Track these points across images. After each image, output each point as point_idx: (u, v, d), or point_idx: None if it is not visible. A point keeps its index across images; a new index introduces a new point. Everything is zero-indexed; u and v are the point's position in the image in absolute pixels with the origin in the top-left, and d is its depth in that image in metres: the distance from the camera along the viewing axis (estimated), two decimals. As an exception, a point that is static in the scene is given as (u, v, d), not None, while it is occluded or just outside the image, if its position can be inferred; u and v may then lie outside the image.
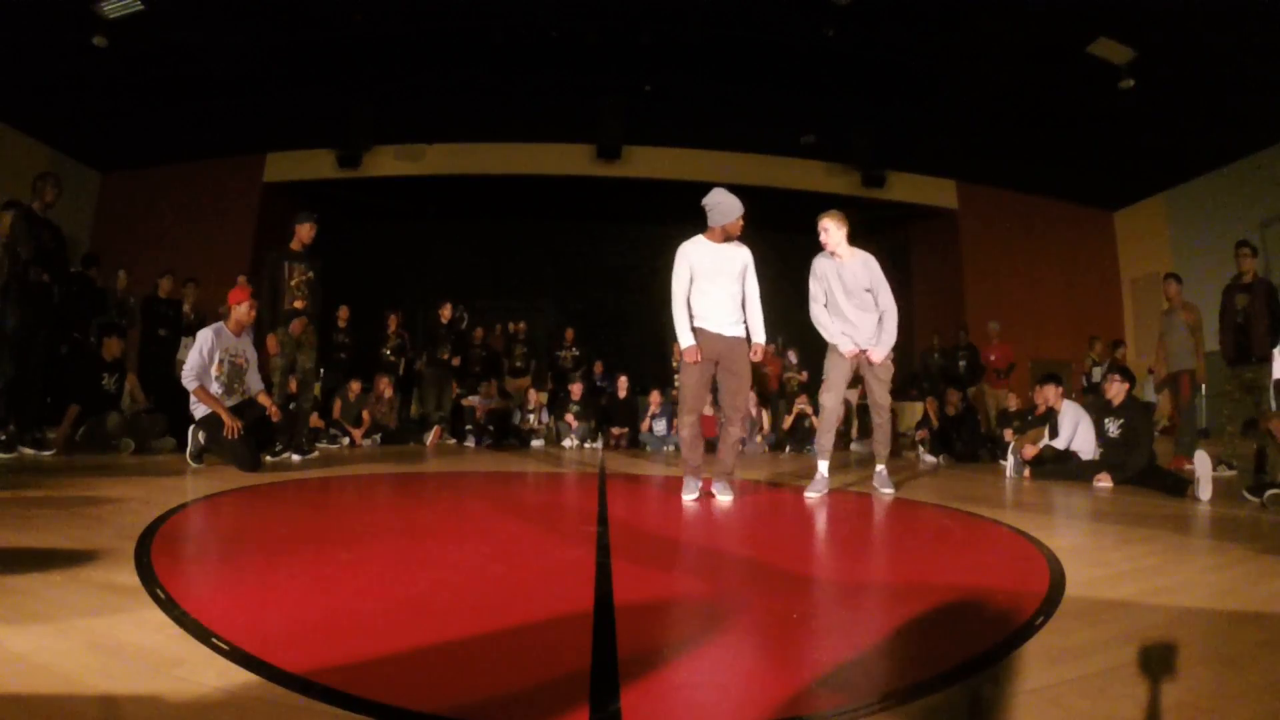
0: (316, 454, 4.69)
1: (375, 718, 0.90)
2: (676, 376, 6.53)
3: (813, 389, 8.25)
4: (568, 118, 8.50)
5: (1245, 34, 5.84)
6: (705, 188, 3.32)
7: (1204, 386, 7.00)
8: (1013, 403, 7.24)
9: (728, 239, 3.26)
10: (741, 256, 3.28)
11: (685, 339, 3.21)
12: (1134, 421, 4.45)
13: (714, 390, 3.51)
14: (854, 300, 3.61)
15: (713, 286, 3.22)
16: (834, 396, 3.65)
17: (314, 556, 1.85)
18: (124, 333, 5.50)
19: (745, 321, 3.31)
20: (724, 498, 3.18)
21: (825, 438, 3.66)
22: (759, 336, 3.32)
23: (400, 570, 1.76)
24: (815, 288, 3.69)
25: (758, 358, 3.30)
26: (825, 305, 3.67)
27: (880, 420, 3.72)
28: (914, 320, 10.69)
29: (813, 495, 3.45)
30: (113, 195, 9.05)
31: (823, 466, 3.57)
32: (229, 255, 8.41)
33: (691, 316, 3.25)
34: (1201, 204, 8.80)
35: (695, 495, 3.16)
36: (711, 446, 3.54)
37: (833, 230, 3.59)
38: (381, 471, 4.27)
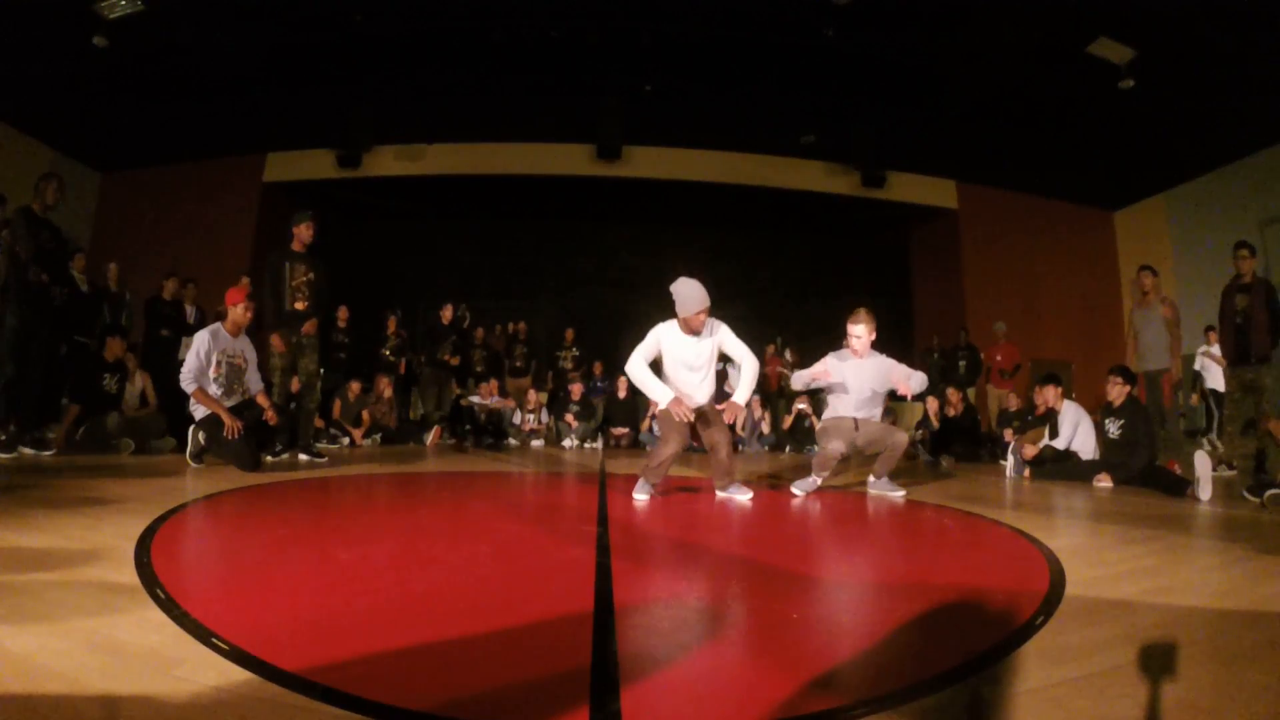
0: (325, 459, 4.68)
1: (375, 717, 0.90)
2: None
3: (811, 389, 8.24)
4: (567, 118, 8.50)
5: (1245, 34, 5.84)
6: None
7: (1209, 384, 6.98)
8: (1013, 403, 7.23)
9: (692, 332, 3.22)
10: (711, 345, 3.28)
11: (663, 395, 3.14)
12: (1134, 422, 4.45)
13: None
14: (865, 396, 3.64)
15: (684, 374, 3.28)
16: (835, 450, 3.59)
17: (314, 556, 1.85)
18: (125, 332, 5.49)
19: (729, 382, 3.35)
20: (743, 496, 3.24)
21: (822, 476, 3.64)
22: (740, 396, 3.25)
23: (400, 570, 1.76)
24: (826, 365, 3.69)
25: (729, 417, 3.21)
26: (839, 396, 3.69)
27: (891, 452, 3.65)
28: (914, 320, 10.70)
29: (798, 492, 3.53)
30: (113, 195, 9.05)
31: (816, 480, 3.61)
32: (229, 255, 8.41)
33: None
34: (1201, 204, 8.80)
35: (647, 496, 3.20)
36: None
37: (865, 335, 3.62)
38: (381, 471, 4.27)
